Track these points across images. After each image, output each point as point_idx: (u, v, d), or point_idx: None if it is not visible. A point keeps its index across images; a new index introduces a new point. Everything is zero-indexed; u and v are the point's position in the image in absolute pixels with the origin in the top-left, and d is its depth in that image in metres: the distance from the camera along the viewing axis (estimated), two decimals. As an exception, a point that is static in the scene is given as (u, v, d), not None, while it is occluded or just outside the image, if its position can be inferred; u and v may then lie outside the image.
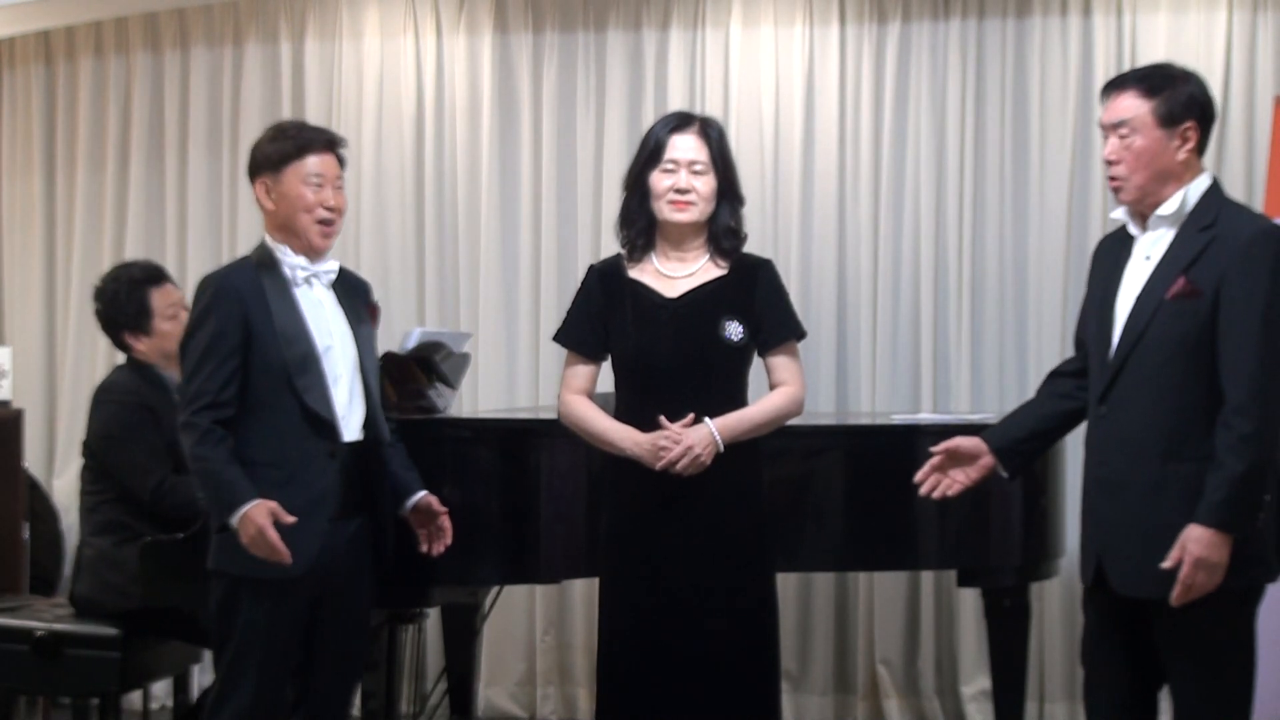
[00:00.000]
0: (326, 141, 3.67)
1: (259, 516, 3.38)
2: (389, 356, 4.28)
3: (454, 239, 5.86)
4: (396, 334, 5.08)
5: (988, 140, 5.59)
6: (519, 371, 5.82)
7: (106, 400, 4.28)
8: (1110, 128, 3.21)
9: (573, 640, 5.70)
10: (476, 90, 5.86)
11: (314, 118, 5.90)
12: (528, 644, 5.77)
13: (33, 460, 5.62)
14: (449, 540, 3.75)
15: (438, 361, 4.44)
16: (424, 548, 3.74)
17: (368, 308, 3.76)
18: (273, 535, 3.37)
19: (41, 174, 6.18)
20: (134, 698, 5.00)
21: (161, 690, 5.54)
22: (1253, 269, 3.06)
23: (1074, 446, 4.98)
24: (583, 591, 5.58)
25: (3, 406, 5.29)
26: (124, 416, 4.21)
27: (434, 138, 5.88)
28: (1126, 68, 5.44)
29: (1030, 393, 5.39)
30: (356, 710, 5.50)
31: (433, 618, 4.94)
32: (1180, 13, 5.47)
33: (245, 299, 3.49)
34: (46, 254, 6.16)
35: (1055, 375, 3.55)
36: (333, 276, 3.65)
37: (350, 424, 3.58)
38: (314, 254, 3.62)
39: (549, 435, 3.99)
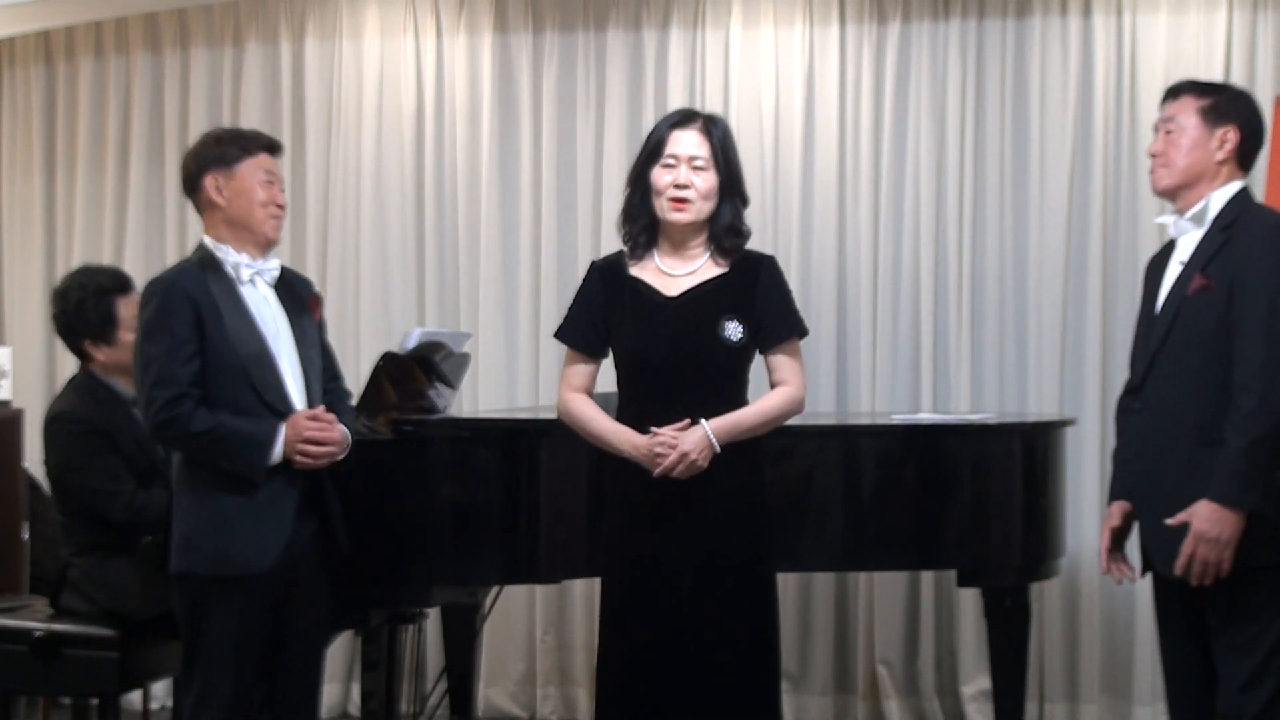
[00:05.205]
0: (270, 144, 3.72)
1: (294, 438, 3.52)
2: (389, 356, 4.27)
3: (454, 239, 5.86)
4: (396, 334, 5.09)
5: (988, 140, 5.59)
6: (519, 371, 5.82)
7: (60, 430, 4.18)
8: (1160, 123, 3.44)
9: (573, 640, 5.70)
10: (476, 90, 5.86)
11: (314, 118, 5.92)
12: (528, 644, 5.77)
13: (33, 460, 5.60)
14: None
15: (438, 361, 4.44)
16: None
17: (310, 298, 3.79)
18: (314, 432, 3.53)
19: (41, 174, 6.18)
20: (134, 698, 4.99)
21: (161, 690, 5.55)
22: (1262, 259, 3.23)
23: (1074, 448, 5.01)
24: (583, 591, 5.58)
25: (3, 406, 5.28)
26: (79, 444, 4.13)
27: (434, 138, 5.88)
28: (1127, 68, 5.47)
29: (1029, 392, 5.51)
30: (356, 710, 5.52)
31: (433, 618, 4.94)
32: (1180, 13, 5.46)
33: (197, 301, 3.52)
34: (46, 254, 6.17)
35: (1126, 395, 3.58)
36: (275, 274, 3.69)
37: None
38: (264, 248, 3.66)
39: (549, 435, 3.99)
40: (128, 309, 4.23)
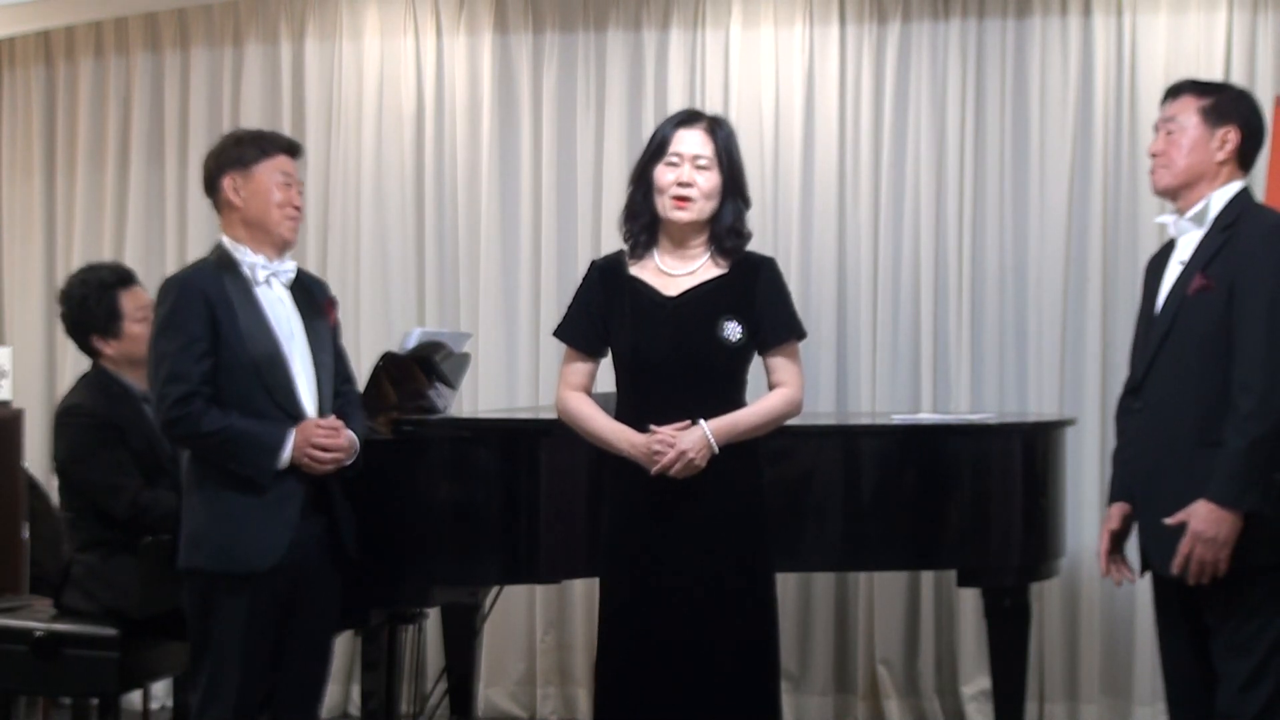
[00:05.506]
0: (289, 146, 3.76)
1: (302, 444, 3.53)
2: (389, 356, 4.28)
3: (454, 239, 5.86)
4: (396, 334, 5.09)
5: (988, 140, 5.59)
6: (519, 371, 5.82)
7: (70, 423, 4.19)
8: (1160, 123, 3.44)
9: (573, 640, 5.70)
10: (476, 90, 5.86)
11: (314, 118, 5.92)
12: (528, 644, 5.77)
13: (33, 460, 5.61)
14: None
15: (438, 361, 4.44)
16: None
17: (325, 302, 3.81)
18: (322, 438, 3.55)
19: (41, 174, 6.18)
20: (134, 698, 4.99)
21: (161, 690, 5.55)
22: (1263, 259, 3.23)
23: (1074, 448, 5.01)
24: (583, 591, 5.58)
25: (3, 406, 5.28)
26: (88, 438, 4.14)
27: (434, 138, 5.88)
28: (1127, 68, 5.47)
29: (1029, 392, 5.51)
30: (356, 710, 5.52)
31: (433, 618, 4.94)
32: (1180, 13, 5.46)
33: (212, 300, 3.56)
34: (46, 254, 6.17)
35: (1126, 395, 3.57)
36: (291, 276, 3.72)
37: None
38: (280, 249, 3.69)
39: (549, 435, 3.99)
40: (131, 301, 4.27)
